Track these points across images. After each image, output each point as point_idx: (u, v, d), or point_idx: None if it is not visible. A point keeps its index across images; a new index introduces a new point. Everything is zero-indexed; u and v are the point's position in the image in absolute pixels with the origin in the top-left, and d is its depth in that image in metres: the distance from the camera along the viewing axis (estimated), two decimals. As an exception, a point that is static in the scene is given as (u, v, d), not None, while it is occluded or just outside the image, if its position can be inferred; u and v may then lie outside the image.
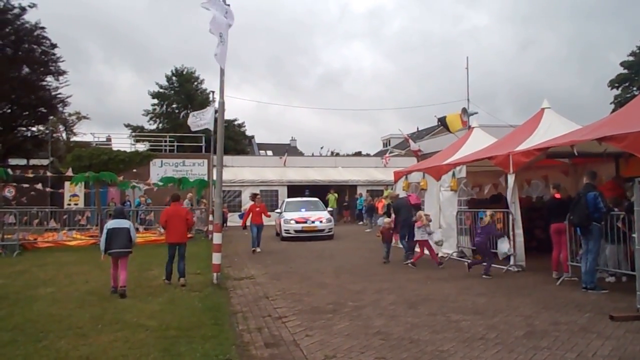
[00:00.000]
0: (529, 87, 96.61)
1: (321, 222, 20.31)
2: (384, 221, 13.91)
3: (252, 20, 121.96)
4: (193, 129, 23.23)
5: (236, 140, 49.39)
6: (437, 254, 13.02)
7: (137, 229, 21.12)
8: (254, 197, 17.58)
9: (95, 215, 20.23)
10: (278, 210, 21.87)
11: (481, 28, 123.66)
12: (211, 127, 20.88)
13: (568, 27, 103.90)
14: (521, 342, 6.03)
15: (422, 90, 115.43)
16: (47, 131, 37.82)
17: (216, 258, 10.42)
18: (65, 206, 26.88)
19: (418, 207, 14.34)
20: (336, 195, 30.49)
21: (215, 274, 10.35)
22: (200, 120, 22.35)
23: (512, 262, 11.56)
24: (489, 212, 11.51)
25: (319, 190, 29.77)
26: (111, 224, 9.58)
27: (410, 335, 6.45)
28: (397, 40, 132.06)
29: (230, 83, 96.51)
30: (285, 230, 19.99)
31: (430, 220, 12.97)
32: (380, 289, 9.68)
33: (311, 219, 20.19)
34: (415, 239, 12.99)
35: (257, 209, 16.66)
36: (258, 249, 16.23)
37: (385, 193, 25.79)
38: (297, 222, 20.03)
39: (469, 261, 12.05)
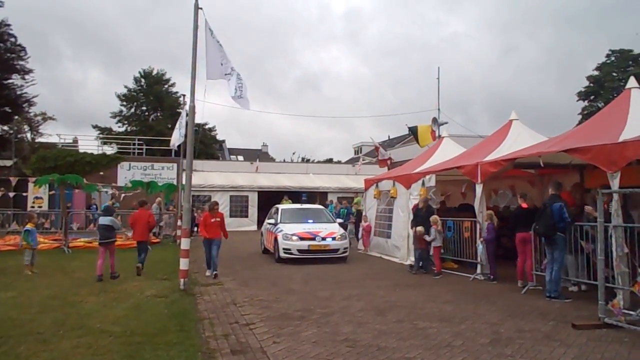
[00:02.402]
0: (506, 95, 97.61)
1: (334, 239, 15.08)
2: (417, 230, 12.87)
3: (229, 20, 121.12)
4: (177, 143, 22.97)
5: (207, 145, 49.00)
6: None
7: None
8: (213, 207, 12.89)
9: (60, 219, 19.82)
10: (270, 221, 16.67)
11: (460, 34, 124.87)
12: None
13: (548, 36, 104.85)
14: (486, 350, 6.11)
15: (400, 96, 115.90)
16: (11, 131, 36.90)
17: (184, 264, 10.28)
18: (29, 209, 26.24)
19: None
20: (291, 201, 28.23)
21: (182, 280, 10.21)
22: (179, 130, 22.06)
23: (478, 270, 11.73)
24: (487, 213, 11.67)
25: (291, 197, 29.71)
26: (100, 220, 12.33)
27: (378, 342, 6.47)
28: (376, 45, 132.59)
29: (203, 85, 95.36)
30: (284, 249, 14.80)
31: None
32: (349, 295, 9.69)
33: (321, 235, 14.99)
34: (437, 245, 12.52)
35: (213, 221, 12.44)
36: (209, 273, 12.37)
37: (355, 200, 25.88)
38: (301, 239, 14.82)
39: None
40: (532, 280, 10.08)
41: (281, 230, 15.27)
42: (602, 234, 7.42)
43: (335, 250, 14.98)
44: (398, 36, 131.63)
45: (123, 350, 5.98)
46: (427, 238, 12.55)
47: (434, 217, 12.63)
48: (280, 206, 17.84)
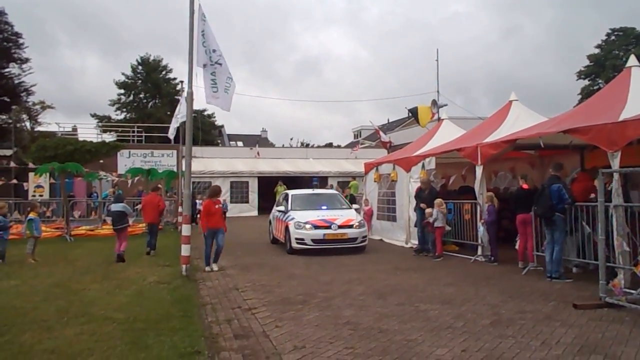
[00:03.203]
0: (508, 75, 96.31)
1: (352, 226, 13.67)
2: (426, 212, 12.71)
3: (228, 3, 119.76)
4: (171, 132, 22.85)
5: (206, 131, 48.84)
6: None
7: (104, 221, 21.03)
8: (217, 192, 11.80)
9: (61, 207, 19.82)
10: (280, 208, 15.33)
11: (461, 14, 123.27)
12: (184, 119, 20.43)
13: (549, 14, 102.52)
14: (487, 331, 6.14)
15: (400, 78, 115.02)
16: (10, 121, 36.80)
17: (185, 250, 10.30)
18: (30, 197, 26.23)
19: None
20: (285, 187, 27.27)
21: (184, 266, 10.24)
22: (177, 117, 21.85)
23: (479, 252, 11.76)
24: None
25: (291, 182, 29.78)
26: (112, 207, 13.68)
27: (379, 325, 6.50)
28: (376, 26, 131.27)
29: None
30: (297, 239, 13.46)
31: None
32: (349, 279, 9.72)
33: (337, 223, 13.56)
34: (439, 225, 12.42)
35: (217, 207, 11.36)
36: (215, 267, 11.16)
37: (350, 184, 25.93)
38: (316, 227, 13.45)
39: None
40: (533, 261, 10.11)
41: (292, 218, 13.87)
42: (603, 214, 7.42)
43: (354, 239, 13.56)
44: (399, 16, 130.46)
45: (126, 337, 6.01)
46: (430, 219, 12.51)
47: (439, 200, 12.59)
48: (290, 192, 16.37)
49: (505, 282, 9.16)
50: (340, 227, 13.52)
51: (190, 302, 7.97)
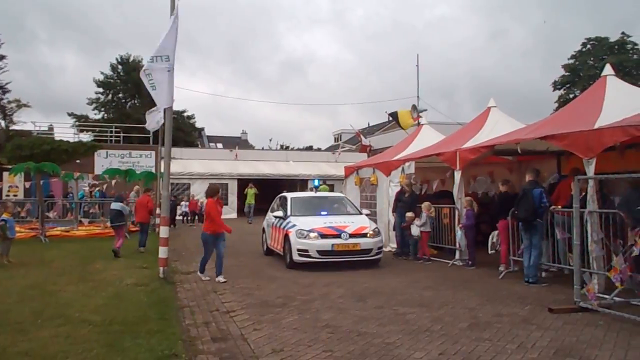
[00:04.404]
0: (492, 80, 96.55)
1: (365, 235, 11.60)
2: (407, 216, 12.78)
3: (212, 1, 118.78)
4: (152, 129, 22.49)
5: (185, 132, 48.65)
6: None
7: (80, 222, 20.74)
8: (215, 190, 10.58)
9: (37, 208, 19.51)
10: (277, 214, 13.10)
11: (447, 18, 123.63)
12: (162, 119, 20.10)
13: (536, 20, 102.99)
14: (465, 334, 6.20)
15: (385, 81, 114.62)
16: (-15, 119, 36.18)
17: (163, 252, 10.18)
18: (4, 198, 25.77)
19: None
20: (256, 190, 27.93)
21: (162, 268, 10.13)
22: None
23: (457, 256, 11.86)
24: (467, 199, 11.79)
25: (270, 185, 29.71)
26: (111, 205, 14.72)
27: (358, 328, 6.52)
28: (361, 29, 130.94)
29: (184, 70, 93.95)
30: (300, 250, 11.30)
31: None
32: (329, 282, 9.73)
33: (347, 231, 11.44)
34: (426, 230, 12.49)
35: (220, 209, 10.56)
36: (221, 278, 9.95)
37: (320, 187, 25.89)
38: (323, 236, 11.34)
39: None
40: (510, 266, 10.21)
41: (294, 226, 11.76)
42: (578, 220, 7.54)
43: (368, 251, 11.50)
44: (384, 18, 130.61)
45: (103, 339, 5.94)
46: (417, 223, 12.56)
47: (427, 204, 12.66)
48: (289, 195, 14.04)
49: (483, 286, 9.25)
50: (351, 236, 11.45)
51: (167, 304, 7.90)
